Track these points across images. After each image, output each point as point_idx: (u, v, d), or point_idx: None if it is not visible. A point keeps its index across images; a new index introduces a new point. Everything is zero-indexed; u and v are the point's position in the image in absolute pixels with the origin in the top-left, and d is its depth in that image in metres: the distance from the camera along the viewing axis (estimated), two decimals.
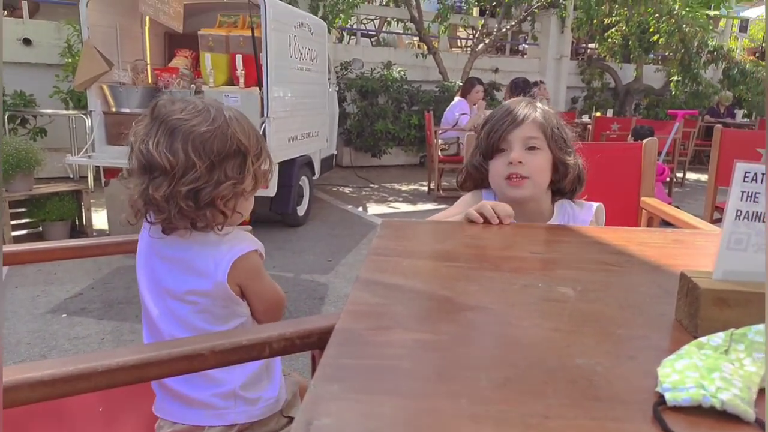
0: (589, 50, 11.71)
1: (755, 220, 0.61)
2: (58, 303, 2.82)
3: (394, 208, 5.45)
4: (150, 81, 4.35)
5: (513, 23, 8.80)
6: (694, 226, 1.54)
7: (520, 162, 1.18)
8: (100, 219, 4.17)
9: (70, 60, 5.59)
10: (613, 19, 9.52)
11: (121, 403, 1.13)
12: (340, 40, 9.03)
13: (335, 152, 6.24)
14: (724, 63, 10.36)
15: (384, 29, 10.39)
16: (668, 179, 5.45)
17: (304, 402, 0.46)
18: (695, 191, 6.73)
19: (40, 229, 3.78)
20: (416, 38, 9.13)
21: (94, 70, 3.88)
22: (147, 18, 4.37)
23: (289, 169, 4.23)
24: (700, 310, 0.59)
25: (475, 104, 5.79)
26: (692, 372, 0.48)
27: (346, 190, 6.22)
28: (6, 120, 5.48)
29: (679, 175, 7.02)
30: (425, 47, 8.26)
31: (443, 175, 5.92)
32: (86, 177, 5.11)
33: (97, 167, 4.82)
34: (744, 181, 0.61)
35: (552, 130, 1.21)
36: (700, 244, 1.03)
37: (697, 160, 8.57)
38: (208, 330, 1.02)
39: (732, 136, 3.09)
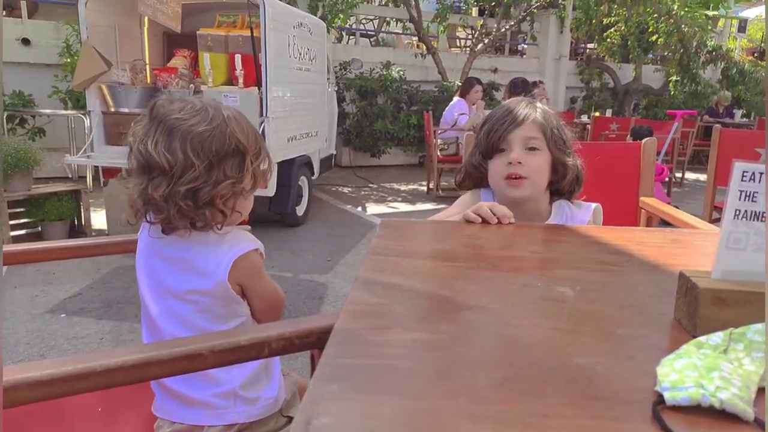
0: (588, 50, 11.72)
1: (754, 220, 0.61)
2: (57, 303, 2.82)
3: (393, 207, 5.45)
4: (149, 81, 4.34)
5: (512, 23, 8.80)
6: (693, 226, 1.54)
7: (519, 162, 1.18)
8: (99, 219, 4.16)
9: (68, 60, 5.58)
10: (612, 19, 9.53)
11: (120, 402, 1.13)
12: (339, 40, 9.03)
13: (334, 152, 6.24)
14: (722, 63, 10.37)
15: (383, 29, 10.39)
16: (667, 179, 5.46)
17: (303, 401, 0.46)
18: (694, 191, 6.74)
19: (39, 229, 3.77)
20: (415, 38, 9.13)
21: (93, 70, 3.88)
22: (146, 18, 4.36)
23: (288, 169, 4.23)
24: (699, 309, 0.59)
25: (474, 104, 5.79)
26: (691, 371, 0.48)
27: (345, 189, 6.22)
28: (5, 120, 5.48)
29: (678, 174, 7.03)
30: (424, 47, 8.26)
31: (442, 175, 5.92)
32: (85, 177, 5.11)
33: (96, 167, 4.82)
34: (742, 180, 0.61)
35: (552, 131, 1.21)
36: (699, 244, 1.03)
37: (696, 159, 8.58)
38: (209, 329, 1.02)
39: (731, 136, 3.09)
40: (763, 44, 12.67)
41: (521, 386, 0.49)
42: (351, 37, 9.73)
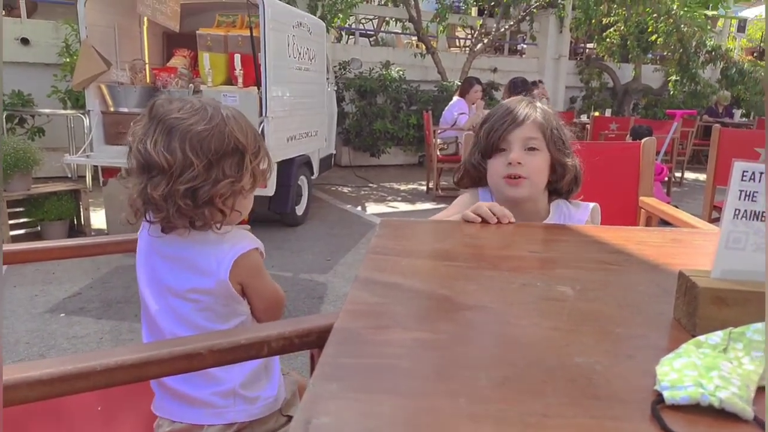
0: (587, 50, 11.72)
1: (753, 219, 0.62)
2: (57, 302, 2.82)
3: (392, 207, 5.45)
4: (148, 81, 4.34)
5: (511, 23, 8.80)
6: (693, 226, 1.54)
7: (519, 163, 1.18)
8: (98, 218, 4.16)
9: (68, 59, 5.57)
10: (612, 18, 9.53)
11: (120, 402, 1.13)
12: (339, 39, 9.03)
13: (334, 152, 6.24)
14: (722, 63, 10.37)
15: (382, 29, 10.39)
16: (667, 179, 5.46)
17: (303, 401, 0.46)
18: (693, 191, 6.74)
19: (39, 228, 3.77)
20: (415, 38, 9.13)
21: (93, 70, 3.87)
22: (145, 17, 4.36)
23: (287, 168, 4.23)
24: (699, 308, 0.59)
25: (473, 104, 5.79)
26: (691, 370, 0.48)
27: (345, 189, 6.22)
28: (4, 120, 5.47)
29: (678, 174, 7.03)
30: (424, 47, 8.26)
31: (442, 175, 5.92)
32: (84, 176, 5.10)
33: (96, 167, 4.81)
34: (742, 180, 0.61)
35: (551, 131, 1.21)
36: (698, 243, 1.03)
37: (696, 159, 8.59)
38: (210, 328, 1.02)
39: (730, 136, 3.09)
40: (762, 44, 12.68)
41: (521, 386, 0.49)
42: (350, 36, 9.72)
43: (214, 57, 4.13)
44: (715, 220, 2.85)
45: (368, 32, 10.43)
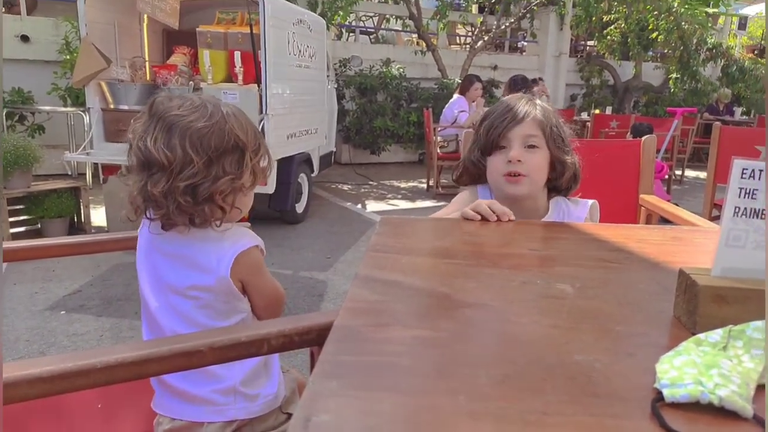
0: (588, 47, 11.70)
1: (753, 217, 0.61)
2: (57, 300, 2.82)
3: (392, 205, 5.45)
4: (148, 78, 4.34)
5: (512, 20, 8.78)
6: (693, 224, 1.54)
7: (519, 160, 1.18)
8: (98, 216, 4.16)
9: (68, 57, 5.57)
10: (612, 16, 9.51)
11: (120, 399, 1.13)
12: (339, 37, 9.02)
13: (334, 149, 6.24)
14: (722, 60, 10.36)
15: (383, 26, 10.37)
16: (667, 176, 5.46)
17: (302, 398, 0.46)
18: (694, 188, 6.74)
19: (39, 226, 3.77)
20: (415, 35, 9.12)
21: (93, 67, 3.87)
22: (145, 15, 4.35)
23: (287, 166, 4.23)
24: (699, 306, 0.59)
25: (474, 101, 5.79)
26: (690, 368, 0.48)
27: (345, 187, 6.22)
28: (4, 117, 5.47)
29: (678, 172, 7.03)
30: (424, 44, 8.25)
31: (442, 173, 5.92)
32: (85, 174, 5.10)
33: (96, 164, 4.81)
34: (742, 177, 0.61)
35: (551, 129, 1.21)
36: (698, 242, 1.03)
37: (696, 157, 8.58)
38: (210, 325, 1.03)
39: (731, 134, 3.09)
40: (763, 41, 12.66)
41: (521, 383, 0.49)
42: (351, 34, 9.71)
43: (214, 54, 4.12)
44: (716, 218, 2.85)
45: (368, 29, 10.41)
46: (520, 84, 5.27)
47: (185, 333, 1.02)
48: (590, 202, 1.28)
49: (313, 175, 4.98)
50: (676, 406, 0.46)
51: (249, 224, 1.17)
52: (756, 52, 12.50)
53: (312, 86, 4.80)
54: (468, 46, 9.55)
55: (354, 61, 7.23)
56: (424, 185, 6.28)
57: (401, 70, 7.74)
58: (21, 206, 3.68)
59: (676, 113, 6.10)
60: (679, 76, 9.80)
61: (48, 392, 0.69)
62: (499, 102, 1.29)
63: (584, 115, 8.67)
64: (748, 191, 0.61)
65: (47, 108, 5.57)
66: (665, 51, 10.42)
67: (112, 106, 4.05)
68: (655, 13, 8.85)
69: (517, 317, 0.64)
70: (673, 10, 8.63)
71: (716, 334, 0.54)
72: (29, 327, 2.50)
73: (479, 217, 1.06)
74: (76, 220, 3.95)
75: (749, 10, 11.68)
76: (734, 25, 11.73)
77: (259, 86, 3.88)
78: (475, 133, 1.29)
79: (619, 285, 0.77)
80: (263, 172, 1.07)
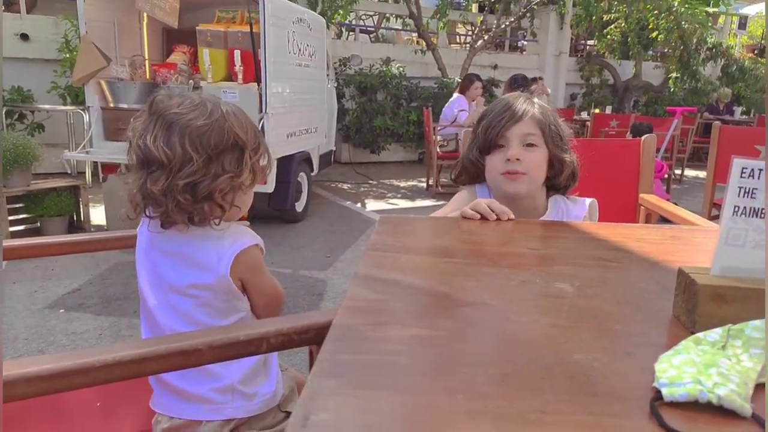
0: (588, 47, 11.70)
1: (753, 216, 0.61)
2: (56, 298, 2.82)
3: (392, 204, 5.45)
4: (148, 76, 4.34)
5: (512, 19, 8.78)
6: (692, 223, 1.54)
7: (518, 159, 1.18)
8: (98, 214, 4.16)
9: (67, 55, 5.57)
10: (612, 15, 9.52)
11: (119, 398, 1.13)
12: (339, 36, 9.01)
13: (334, 148, 6.23)
14: (722, 60, 10.36)
15: (383, 25, 10.37)
16: (666, 176, 5.46)
17: (301, 397, 0.46)
18: (693, 188, 6.74)
19: (38, 224, 3.77)
20: (415, 34, 9.11)
21: (92, 66, 3.87)
22: (145, 13, 4.35)
23: (287, 165, 4.23)
24: (698, 306, 0.59)
25: (473, 101, 5.78)
26: (689, 367, 0.48)
27: (345, 186, 6.22)
28: (3, 115, 5.46)
29: (678, 171, 7.03)
30: (424, 43, 8.24)
31: (442, 172, 5.91)
32: (84, 173, 5.09)
33: (95, 163, 4.81)
34: (741, 177, 0.61)
35: (549, 127, 1.21)
36: (698, 241, 1.03)
37: (696, 157, 8.59)
38: (209, 324, 1.03)
39: (730, 133, 3.09)
40: (763, 41, 12.65)
41: (520, 382, 0.49)
42: (350, 33, 9.71)
43: (213, 53, 4.12)
44: (715, 218, 2.85)
45: (368, 28, 10.41)
46: (520, 83, 5.26)
47: (184, 331, 1.02)
48: (589, 200, 1.28)
49: (312, 174, 4.98)
50: (675, 405, 0.46)
51: (248, 223, 1.17)
52: (756, 51, 12.50)
53: (312, 85, 4.79)
54: (468, 45, 9.54)
55: (354, 60, 7.22)
56: (424, 184, 6.28)
57: (401, 69, 7.74)
58: (20, 205, 3.68)
59: (676, 113, 6.10)
60: (679, 75, 9.80)
61: (46, 391, 0.68)
62: (498, 101, 1.29)
63: (584, 115, 8.67)
64: (747, 190, 0.61)
65: (47, 106, 5.56)
66: (665, 50, 10.42)
67: (111, 105, 4.05)
68: (656, 12, 8.85)
69: (516, 316, 0.64)
70: (674, 9, 8.63)
71: (715, 333, 0.54)
72: (28, 325, 2.50)
73: (478, 216, 1.06)
74: (75, 218, 3.95)
75: (749, 10, 11.69)
76: (734, 25, 11.72)
77: (258, 85, 3.87)
78: (474, 132, 1.28)
79: (619, 284, 0.77)
80: (263, 170, 1.07)
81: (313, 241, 4.02)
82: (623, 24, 9.57)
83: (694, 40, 9.43)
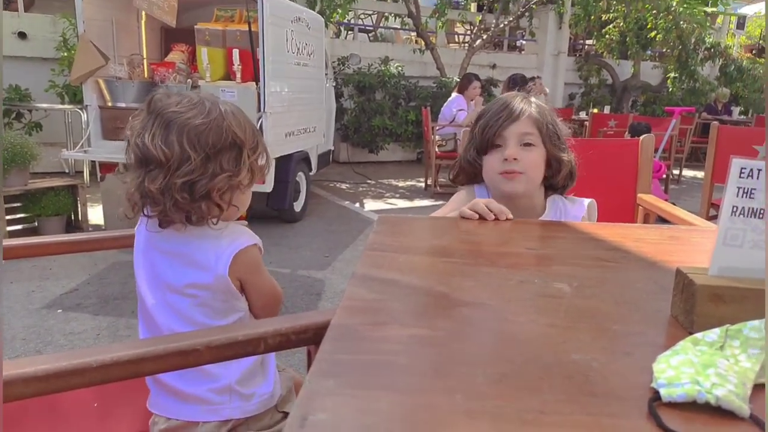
0: (586, 46, 11.71)
1: (751, 216, 0.61)
2: (54, 298, 2.81)
3: (391, 204, 5.45)
4: (146, 75, 4.33)
5: (511, 19, 8.78)
6: (690, 223, 1.54)
7: (515, 159, 1.17)
8: (95, 214, 4.15)
9: (65, 54, 5.55)
10: (611, 15, 9.52)
11: (116, 398, 1.12)
12: (338, 35, 9.00)
13: (332, 148, 6.23)
14: (721, 60, 10.37)
15: (381, 24, 10.36)
16: (665, 176, 5.47)
17: (299, 397, 0.46)
18: (691, 188, 6.75)
19: (36, 224, 3.76)
20: (414, 34, 9.11)
21: (90, 65, 3.86)
22: (143, 12, 4.34)
23: (285, 164, 4.22)
24: (696, 306, 0.59)
25: (472, 100, 5.78)
26: (687, 368, 0.48)
27: (343, 186, 6.21)
28: (1, 114, 5.44)
29: (676, 172, 7.04)
30: (423, 43, 8.24)
31: (440, 172, 5.92)
32: (82, 172, 5.09)
33: (93, 162, 4.80)
34: (740, 177, 0.61)
35: (547, 126, 1.21)
36: (696, 241, 1.04)
37: (694, 157, 8.60)
38: (208, 324, 1.02)
39: (728, 133, 3.09)
40: (761, 41, 12.68)
41: (518, 382, 0.49)
42: (349, 32, 9.70)
43: (212, 52, 4.11)
44: (713, 218, 2.85)
45: (367, 28, 10.41)
46: (518, 83, 5.26)
47: (182, 331, 1.02)
48: (588, 200, 1.28)
49: (311, 173, 4.97)
50: (673, 405, 0.46)
51: (246, 222, 1.16)
52: (754, 51, 12.52)
53: (310, 84, 4.79)
54: (467, 44, 9.54)
55: (352, 59, 7.22)
56: (422, 184, 6.28)
57: (400, 68, 7.74)
58: (18, 204, 3.68)
59: (674, 113, 6.11)
60: (677, 75, 9.81)
61: (43, 391, 0.68)
62: (495, 100, 1.28)
63: (582, 115, 8.68)
64: (746, 190, 0.61)
65: (44, 105, 5.55)
66: (664, 50, 10.43)
67: (109, 104, 4.05)
68: (654, 12, 8.86)
69: (515, 316, 0.64)
70: (672, 9, 8.64)
71: (713, 334, 0.54)
72: (26, 325, 2.50)
73: (477, 216, 1.06)
74: (73, 218, 3.94)
75: (747, 10, 11.70)
76: (732, 25, 11.73)
77: (257, 84, 3.87)
78: (471, 132, 1.28)
79: (617, 284, 0.77)
80: (261, 170, 1.06)
81: (311, 240, 4.02)
82: (622, 24, 9.58)
83: (693, 40, 9.44)
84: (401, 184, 6.48)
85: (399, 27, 9.90)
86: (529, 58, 10.11)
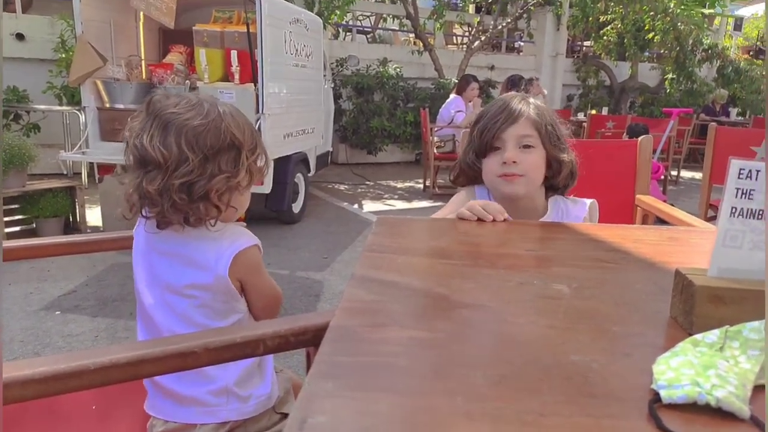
0: (584, 48, 11.73)
1: (750, 217, 0.61)
2: (52, 300, 2.81)
3: (389, 205, 5.45)
4: (144, 77, 4.32)
5: (509, 20, 8.79)
6: (689, 224, 1.54)
7: (514, 162, 1.17)
8: (93, 215, 4.15)
9: (63, 55, 5.55)
10: (609, 16, 9.54)
11: (115, 400, 1.12)
12: (336, 36, 9.01)
13: (331, 149, 6.23)
14: (718, 61, 10.40)
15: (380, 26, 10.37)
16: (663, 177, 5.47)
17: (298, 399, 0.45)
18: (690, 189, 6.76)
19: (34, 225, 3.75)
20: (412, 35, 9.12)
21: (88, 66, 3.86)
22: (141, 13, 4.34)
23: (284, 166, 4.22)
24: (696, 307, 0.59)
25: (470, 101, 5.79)
26: (687, 369, 0.48)
27: (342, 187, 6.21)
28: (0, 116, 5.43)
29: (674, 173, 7.05)
30: (421, 44, 8.25)
31: (439, 173, 5.92)
32: (80, 173, 5.08)
33: (91, 163, 4.79)
34: (739, 178, 0.61)
35: (546, 128, 1.20)
36: (694, 242, 1.04)
37: (692, 158, 8.62)
38: (207, 325, 1.02)
39: (726, 134, 3.10)
40: (758, 42, 12.72)
41: (518, 384, 0.49)
42: (348, 33, 9.70)
43: (210, 53, 4.11)
44: (712, 219, 2.86)
45: (365, 29, 10.41)
46: (516, 84, 5.27)
47: (182, 332, 1.01)
48: (589, 201, 1.28)
49: (309, 174, 4.97)
50: (673, 407, 0.45)
51: (245, 224, 1.16)
52: (751, 53, 12.56)
53: (309, 86, 4.79)
54: (465, 46, 9.55)
55: (351, 60, 7.21)
56: (421, 185, 6.28)
57: (398, 69, 7.74)
58: (16, 206, 3.67)
59: (672, 114, 6.12)
60: (675, 76, 9.83)
61: (41, 393, 0.68)
62: (493, 102, 1.28)
63: (581, 116, 8.69)
64: (745, 191, 0.61)
65: (42, 107, 5.54)
66: (661, 52, 10.46)
67: (107, 105, 4.04)
68: (652, 13, 8.88)
69: (514, 318, 0.64)
70: (670, 10, 8.66)
71: (713, 335, 0.54)
72: (24, 327, 2.49)
73: (475, 218, 1.05)
74: (71, 219, 3.93)
75: (745, 11, 11.74)
76: (730, 26, 11.75)
77: (255, 85, 3.87)
78: (470, 134, 1.28)
79: (616, 285, 0.77)
80: (260, 171, 1.06)
81: (310, 242, 4.01)
82: (619, 25, 9.60)
83: (690, 42, 9.47)
84: (400, 185, 6.48)
85: (397, 28, 9.90)
86: (527, 59, 10.12)
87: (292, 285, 3.11)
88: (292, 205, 4.46)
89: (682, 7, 8.66)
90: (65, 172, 5.55)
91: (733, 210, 0.62)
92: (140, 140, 0.96)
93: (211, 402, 1.02)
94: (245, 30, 3.90)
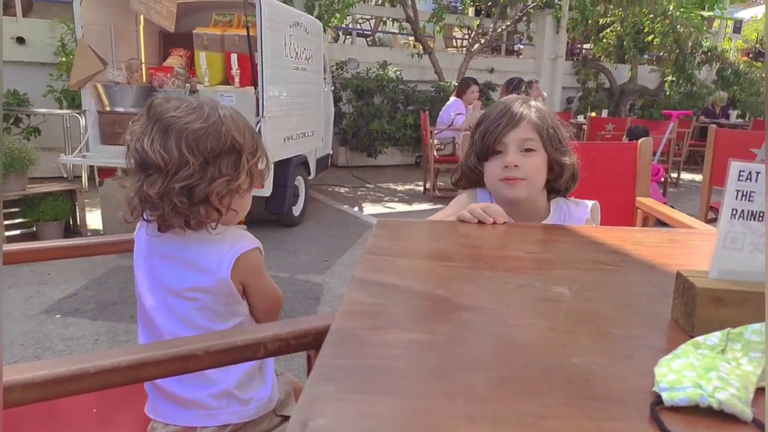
0: (584, 50, 11.74)
1: (751, 219, 0.61)
2: (52, 303, 2.80)
3: (389, 208, 5.45)
4: (144, 80, 4.33)
5: (508, 23, 8.81)
6: (689, 226, 1.54)
7: (516, 166, 1.17)
8: (94, 219, 4.15)
9: (64, 59, 5.55)
10: (608, 19, 9.55)
11: (115, 404, 1.12)
12: (336, 39, 9.02)
13: (331, 152, 6.23)
14: (718, 64, 10.41)
15: (380, 29, 10.39)
16: (663, 179, 5.47)
17: (299, 402, 0.45)
18: (690, 191, 6.76)
19: (34, 229, 3.75)
20: (412, 38, 9.13)
21: (89, 69, 3.86)
22: (141, 17, 4.35)
23: (284, 168, 4.22)
24: (697, 309, 0.59)
25: (470, 104, 5.79)
26: (689, 371, 0.48)
27: (342, 190, 6.21)
28: (1, 119, 5.43)
29: (674, 175, 7.05)
30: (421, 47, 8.26)
31: (439, 176, 5.92)
32: (80, 177, 5.08)
33: (92, 167, 4.79)
34: (739, 179, 0.61)
35: (548, 131, 1.20)
36: (695, 244, 1.04)
37: (692, 160, 8.61)
38: (209, 327, 1.02)
39: (726, 137, 3.11)
40: (758, 45, 12.73)
41: (518, 386, 0.49)
42: (347, 36, 9.72)
43: (210, 56, 4.12)
44: (712, 221, 2.86)
45: (365, 32, 10.43)
46: (516, 87, 5.28)
47: (184, 334, 1.01)
48: (591, 203, 1.28)
49: (309, 177, 4.97)
50: (675, 409, 0.45)
51: (245, 227, 1.16)
52: (751, 55, 12.57)
53: (309, 89, 4.80)
54: (465, 48, 9.56)
55: (351, 63, 7.23)
56: (421, 188, 6.28)
57: (398, 72, 7.75)
58: (16, 209, 3.67)
59: (672, 116, 6.12)
60: (674, 79, 9.84)
61: (42, 397, 0.68)
62: (494, 105, 1.28)
63: (580, 118, 8.70)
64: (745, 193, 0.61)
65: (43, 110, 5.54)
66: (661, 54, 10.46)
67: (108, 109, 4.04)
68: (651, 16, 8.89)
69: (514, 320, 0.64)
70: (669, 13, 8.67)
71: (714, 337, 0.54)
72: (24, 331, 2.49)
73: (476, 220, 1.05)
74: (71, 223, 3.93)
75: (744, 14, 11.75)
76: (729, 29, 11.77)
77: (255, 89, 3.87)
78: (471, 137, 1.28)
79: (616, 287, 0.77)
80: (260, 174, 1.06)
81: (310, 244, 4.01)
82: (619, 28, 9.61)
83: (690, 44, 9.48)
84: (400, 188, 6.48)
85: (397, 31, 9.93)
86: (527, 62, 10.14)
87: (292, 288, 3.11)
88: (293, 208, 4.46)
89: (682, 9, 8.68)
90: (65, 176, 5.54)
91: (734, 212, 0.62)
92: (141, 144, 0.96)
93: (212, 405, 1.02)
94: (245, 33, 3.90)
